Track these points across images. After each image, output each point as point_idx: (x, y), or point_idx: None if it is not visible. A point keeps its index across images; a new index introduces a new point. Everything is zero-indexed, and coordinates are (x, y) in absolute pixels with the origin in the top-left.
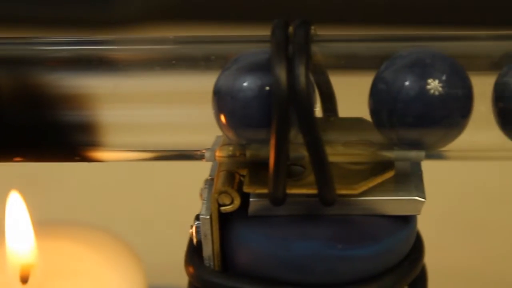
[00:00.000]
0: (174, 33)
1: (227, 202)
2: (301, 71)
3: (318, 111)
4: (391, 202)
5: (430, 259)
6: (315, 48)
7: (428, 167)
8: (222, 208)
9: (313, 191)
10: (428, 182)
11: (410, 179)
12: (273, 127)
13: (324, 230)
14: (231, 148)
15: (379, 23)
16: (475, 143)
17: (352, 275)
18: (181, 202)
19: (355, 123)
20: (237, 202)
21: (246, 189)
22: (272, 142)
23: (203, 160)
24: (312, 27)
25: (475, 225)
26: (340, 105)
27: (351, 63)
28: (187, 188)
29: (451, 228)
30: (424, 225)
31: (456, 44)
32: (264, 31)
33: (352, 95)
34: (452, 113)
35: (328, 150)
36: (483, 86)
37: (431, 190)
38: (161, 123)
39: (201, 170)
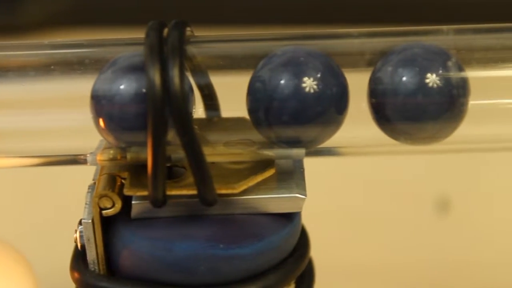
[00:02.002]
0: (76, 37)
1: (108, 205)
2: (175, 72)
3: (202, 112)
4: (273, 200)
5: (321, 254)
6: (194, 50)
7: (320, 164)
8: (104, 211)
9: (193, 191)
10: (320, 178)
11: (292, 177)
12: (149, 130)
13: (206, 230)
14: (112, 152)
15: (257, 23)
16: (356, 139)
17: (236, 274)
18: (72, 207)
19: (238, 122)
20: (118, 205)
21: (126, 191)
22: (149, 144)
23: (88, 164)
24: (189, 28)
25: (366, 220)
26: (224, 105)
27: (231, 63)
28: (79, 192)
29: (342, 223)
30: (316, 221)
31: (331, 42)
32: None
33: (236, 94)
34: (327, 110)
35: (209, 150)
36: (364, 83)
37: (323, 186)
38: (44, 129)
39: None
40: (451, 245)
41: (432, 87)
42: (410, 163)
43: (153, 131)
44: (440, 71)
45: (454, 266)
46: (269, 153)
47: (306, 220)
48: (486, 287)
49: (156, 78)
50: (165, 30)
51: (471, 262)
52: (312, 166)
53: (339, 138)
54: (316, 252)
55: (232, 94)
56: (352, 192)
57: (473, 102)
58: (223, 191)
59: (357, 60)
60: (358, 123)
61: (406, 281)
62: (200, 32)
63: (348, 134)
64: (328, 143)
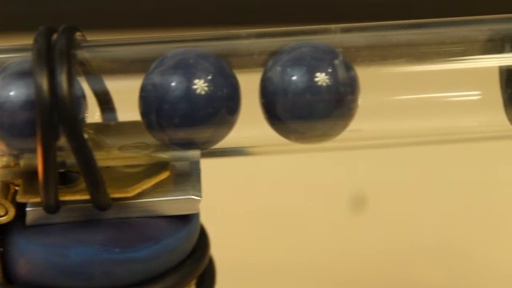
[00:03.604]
0: None
1: (2, 213)
2: (62, 77)
3: (98, 116)
4: (168, 203)
5: (232, 254)
6: (86, 54)
7: (230, 163)
8: None
9: (87, 196)
10: (233, 178)
11: (189, 179)
12: (38, 136)
13: (101, 235)
14: (5, 159)
15: (149, 26)
16: (250, 139)
17: (133, 278)
18: None
19: (134, 126)
20: (12, 212)
21: (19, 198)
22: (39, 150)
23: None
24: (79, 33)
25: (281, 218)
26: (122, 109)
27: (125, 67)
28: None
29: (256, 222)
30: (227, 222)
31: (222, 43)
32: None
33: (133, 98)
34: (219, 111)
35: (103, 155)
36: (257, 83)
37: (235, 186)
38: None
39: None
40: (367, 242)
41: (320, 86)
42: (324, 160)
43: (42, 137)
44: (329, 70)
45: (370, 263)
46: (164, 155)
47: (220, 220)
48: (403, 283)
49: (44, 84)
50: (55, 36)
51: (387, 258)
52: (224, 165)
53: (233, 138)
54: (227, 253)
55: (130, 97)
56: (266, 191)
57: (363, 99)
58: (117, 195)
59: (249, 61)
60: (251, 123)
61: (320, 280)
62: (97, 37)
63: (242, 135)
64: (223, 144)
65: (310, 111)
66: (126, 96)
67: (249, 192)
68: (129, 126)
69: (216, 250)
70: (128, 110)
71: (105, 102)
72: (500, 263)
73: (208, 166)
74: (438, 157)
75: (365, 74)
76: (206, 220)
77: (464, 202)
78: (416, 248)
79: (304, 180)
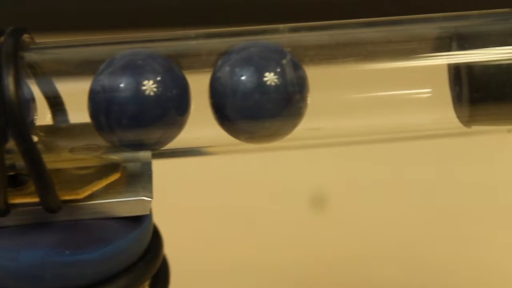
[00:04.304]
0: None
1: None
2: (9, 80)
3: (49, 118)
4: (119, 204)
5: (190, 254)
6: (35, 56)
7: (190, 164)
8: None
9: (37, 199)
10: (191, 178)
11: (140, 180)
12: None
13: (52, 237)
14: None
15: (98, 28)
16: (200, 140)
17: (84, 280)
18: None
19: (85, 128)
20: None
21: None
22: None
23: None
24: (27, 35)
25: (241, 218)
26: (73, 110)
27: (75, 68)
28: None
29: (216, 222)
30: (186, 221)
31: (172, 44)
32: None
33: (84, 100)
34: (168, 112)
35: (53, 157)
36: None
37: (194, 186)
38: None
39: None
40: (327, 242)
41: (269, 85)
42: (284, 160)
43: None
44: (277, 69)
45: (330, 262)
46: (115, 157)
47: (176, 220)
48: (363, 282)
49: None
50: (1, 38)
51: (348, 257)
52: (182, 165)
53: (184, 139)
54: (182, 253)
55: (80, 99)
56: (224, 190)
57: (312, 98)
58: (67, 197)
59: (199, 61)
60: (202, 124)
61: (279, 279)
62: (46, 39)
63: (193, 135)
64: (174, 144)
65: (259, 110)
66: (76, 97)
67: (207, 192)
68: (80, 128)
69: (171, 251)
70: (79, 112)
71: (56, 104)
72: (459, 261)
73: (166, 166)
74: (397, 156)
75: (314, 73)
76: (162, 221)
77: (424, 201)
78: (376, 247)
79: (264, 179)
